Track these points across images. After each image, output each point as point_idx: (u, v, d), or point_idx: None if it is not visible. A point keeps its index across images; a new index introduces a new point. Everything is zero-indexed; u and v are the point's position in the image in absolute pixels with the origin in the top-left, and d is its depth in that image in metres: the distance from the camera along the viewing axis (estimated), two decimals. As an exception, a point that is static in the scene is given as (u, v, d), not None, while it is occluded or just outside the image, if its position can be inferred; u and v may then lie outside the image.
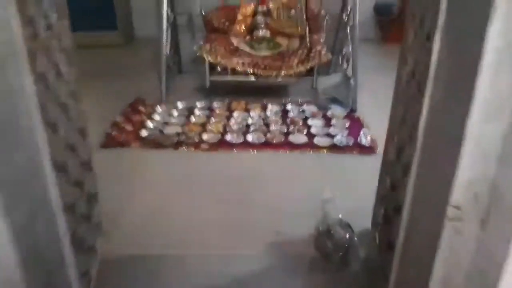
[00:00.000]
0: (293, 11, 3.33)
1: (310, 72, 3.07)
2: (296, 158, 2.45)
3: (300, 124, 2.76)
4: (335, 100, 3.04)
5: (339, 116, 2.87)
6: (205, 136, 2.59)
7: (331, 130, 2.67)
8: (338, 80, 3.07)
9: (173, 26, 3.42)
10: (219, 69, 3.12)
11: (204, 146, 2.51)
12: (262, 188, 2.12)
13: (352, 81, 2.95)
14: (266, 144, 2.54)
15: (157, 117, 2.85)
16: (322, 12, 3.30)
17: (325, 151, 2.49)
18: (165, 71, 3.12)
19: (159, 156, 2.44)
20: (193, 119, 2.82)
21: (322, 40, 3.18)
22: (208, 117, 2.85)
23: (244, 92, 3.23)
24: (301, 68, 2.99)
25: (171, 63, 3.34)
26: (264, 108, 3.00)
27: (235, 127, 2.71)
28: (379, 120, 1.94)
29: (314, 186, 1.90)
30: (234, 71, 3.06)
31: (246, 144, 2.54)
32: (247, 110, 2.96)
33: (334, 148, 2.51)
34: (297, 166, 2.38)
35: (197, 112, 2.92)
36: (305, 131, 2.66)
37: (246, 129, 2.70)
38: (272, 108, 2.99)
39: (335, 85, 3.05)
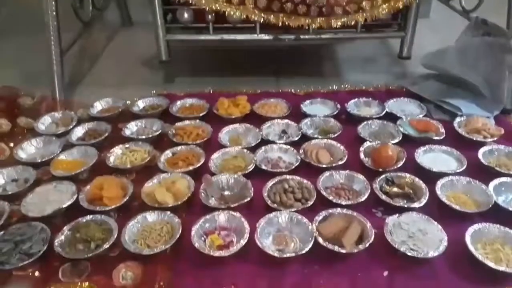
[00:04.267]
0: None
1: (394, 18, 1.39)
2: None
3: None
4: (458, 87, 1.30)
5: (494, 132, 1.14)
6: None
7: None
8: (465, 39, 1.31)
9: None
10: (186, 15, 1.35)
11: None
12: None
13: (505, 43, 1.22)
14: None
15: (29, 148, 1.09)
16: None
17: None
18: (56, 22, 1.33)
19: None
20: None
21: None
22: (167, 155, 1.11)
23: (240, 69, 1.51)
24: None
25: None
26: (293, 112, 1.24)
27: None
28: None
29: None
30: (219, 19, 1.31)
31: None
32: (255, 118, 1.21)
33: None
34: None
35: (136, 148, 1.18)
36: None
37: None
38: (316, 108, 1.25)
39: (458, 51, 1.30)
